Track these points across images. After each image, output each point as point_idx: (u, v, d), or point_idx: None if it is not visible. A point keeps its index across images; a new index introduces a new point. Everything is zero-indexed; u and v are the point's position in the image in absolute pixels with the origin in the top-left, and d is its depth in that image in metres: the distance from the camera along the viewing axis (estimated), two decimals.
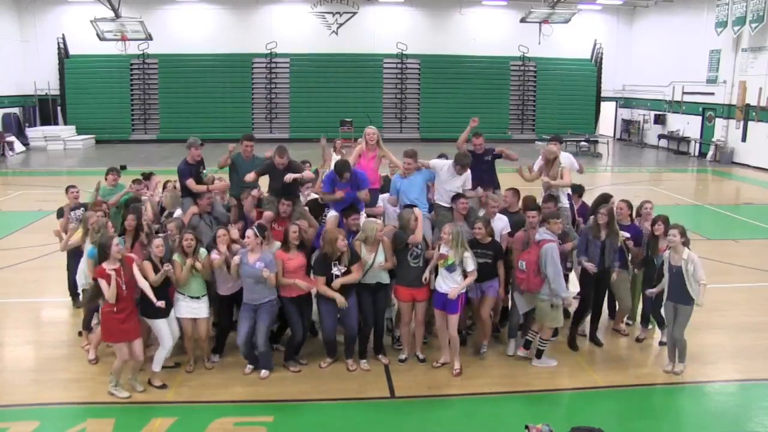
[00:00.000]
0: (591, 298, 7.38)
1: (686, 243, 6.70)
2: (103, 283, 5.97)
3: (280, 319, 7.16)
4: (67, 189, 8.53)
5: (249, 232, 6.51)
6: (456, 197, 7.41)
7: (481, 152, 8.31)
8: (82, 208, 8.21)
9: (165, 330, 6.38)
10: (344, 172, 7.18)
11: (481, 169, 8.24)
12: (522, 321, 7.25)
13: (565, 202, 7.91)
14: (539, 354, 6.94)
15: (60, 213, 8.38)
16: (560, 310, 6.87)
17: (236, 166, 8.03)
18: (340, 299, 6.51)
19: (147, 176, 9.19)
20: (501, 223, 7.39)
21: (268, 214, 7.20)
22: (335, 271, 6.54)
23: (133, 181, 8.72)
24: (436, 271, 6.79)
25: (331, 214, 7.36)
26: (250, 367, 6.77)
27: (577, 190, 8.51)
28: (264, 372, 6.68)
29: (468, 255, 6.60)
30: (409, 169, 7.48)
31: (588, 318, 7.63)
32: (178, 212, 7.70)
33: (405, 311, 7.00)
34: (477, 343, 7.42)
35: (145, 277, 6.20)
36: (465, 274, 6.62)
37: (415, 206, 7.13)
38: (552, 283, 6.60)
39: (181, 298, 6.57)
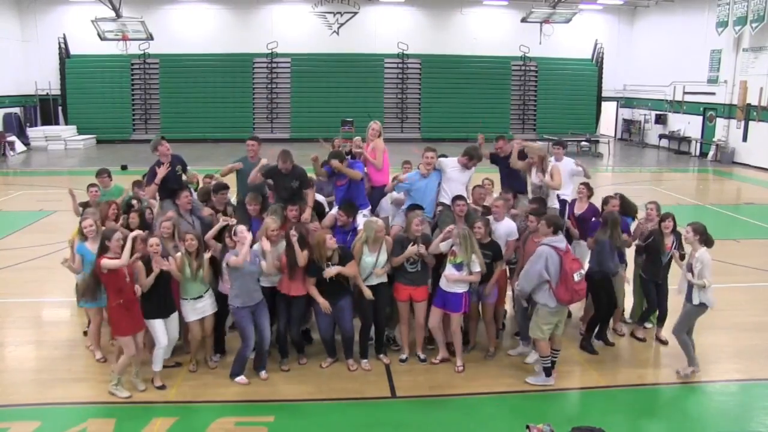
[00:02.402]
0: (605, 303, 7.33)
1: (707, 242, 6.56)
2: (108, 262, 5.91)
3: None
4: (89, 187, 8.42)
5: (241, 227, 6.44)
6: (455, 198, 7.34)
7: (503, 156, 8.25)
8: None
9: (160, 329, 6.38)
10: (334, 160, 7.33)
11: (503, 173, 8.20)
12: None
13: (554, 204, 7.77)
14: (548, 372, 6.61)
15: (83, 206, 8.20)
16: (538, 319, 6.49)
17: (242, 169, 8.00)
18: (323, 303, 6.52)
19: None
20: (505, 228, 7.21)
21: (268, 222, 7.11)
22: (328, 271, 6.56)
23: (134, 183, 8.69)
24: (437, 271, 6.81)
25: (330, 213, 7.36)
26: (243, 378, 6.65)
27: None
28: (263, 373, 6.67)
29: (475, 257, 6.59)
30: (431, 163, 7.44)
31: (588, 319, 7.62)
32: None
33: (403, 310, 6.98)
34: (482, 345, 7.40)
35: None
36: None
37: (422, 208, 7.13)
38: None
39: (185, 303, 6.56)
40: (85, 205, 8.17)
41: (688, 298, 6.59)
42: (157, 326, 6.37)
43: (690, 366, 6.75)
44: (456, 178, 7.56)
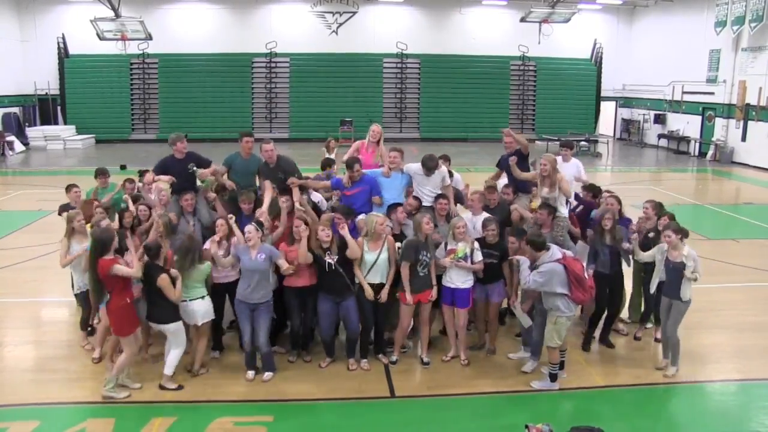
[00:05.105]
0: (605, 301, 7.34)
1: (683, 237, 6.62)
2: (122, 268, 5.94)
3: (278, 314, 7.10)
4: (68, 188, 8.46)
5: (250, 227, 6.45)
6: (437, 197, 7.37)
7: (511, 152, 8.23)
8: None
9: (182, 331, 6.36)
10: (354, 164, 7.38)
11: (508, 170, 8.18)
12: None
13: (563, 212, 7.59)
14: (553, 378, 6.55)
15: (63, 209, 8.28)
16: (557, 327, 6.40)
17: (234, 166, 7.97)
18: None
19: (141, 174, 9.17)
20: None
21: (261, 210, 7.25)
22: (328, 259, 6.56)
23: (126, 181, 8.67)
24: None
25: (329, 214, 7.36)
26: (251, 373, 6.64)
27: (592, 190, 8.34)
28: (267, 374, 6.62)
29: (477, 247, 6.75)
30: (395, 162, 7.48)
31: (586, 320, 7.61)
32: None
33: (406, 314, 6.88)
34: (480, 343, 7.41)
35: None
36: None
37: (400, 204, 7.15)
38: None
39: (189, 304, 6.45)
40: (65, 207, 8.17)
41: (676, 296, 6.58)
42: (180, 329, 6.33)
43: (673, 365, 6.78)
44: (424, 183, 7.56)
